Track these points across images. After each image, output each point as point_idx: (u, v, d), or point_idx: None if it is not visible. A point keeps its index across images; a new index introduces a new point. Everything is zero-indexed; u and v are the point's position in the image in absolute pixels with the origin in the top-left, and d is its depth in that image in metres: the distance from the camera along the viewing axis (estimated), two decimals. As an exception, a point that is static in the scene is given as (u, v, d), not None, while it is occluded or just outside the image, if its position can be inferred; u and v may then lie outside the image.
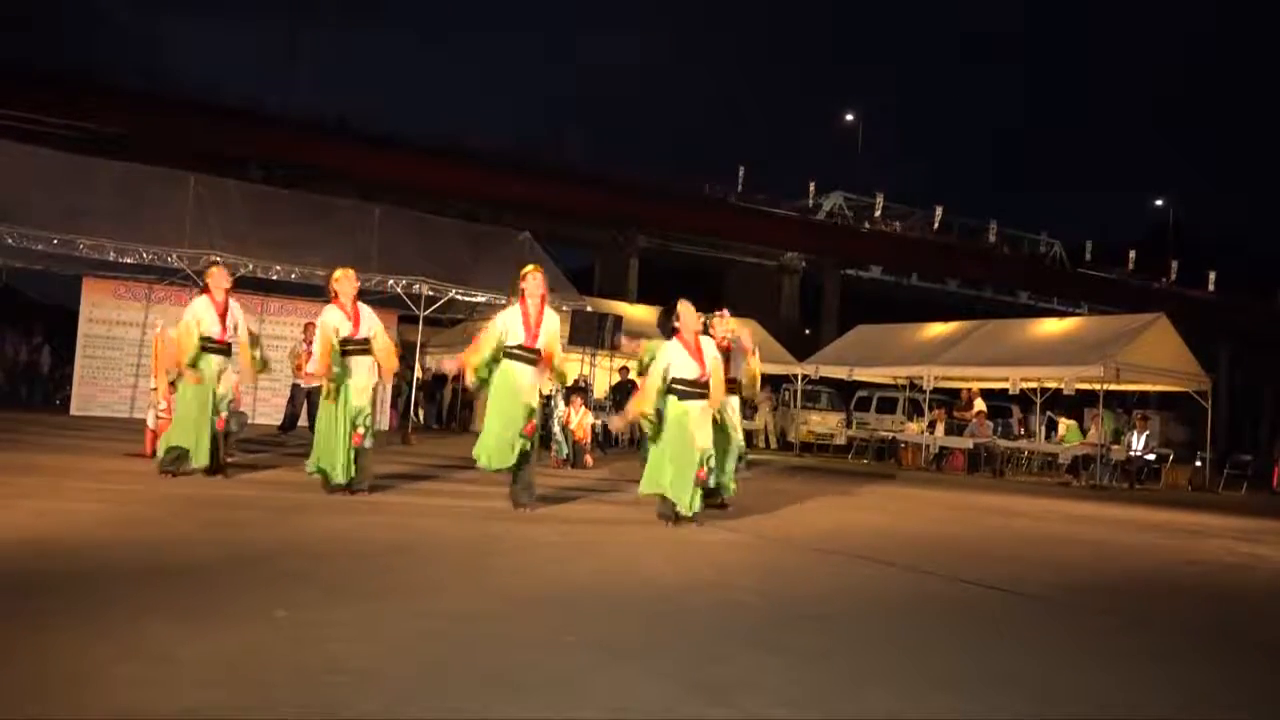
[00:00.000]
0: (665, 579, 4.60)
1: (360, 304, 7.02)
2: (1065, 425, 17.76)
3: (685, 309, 6.53)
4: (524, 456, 6.44)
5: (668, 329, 6.60)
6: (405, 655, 2.98)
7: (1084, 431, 17.88)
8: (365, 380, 6.85)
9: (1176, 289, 44.92)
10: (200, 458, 7.10)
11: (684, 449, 6.28)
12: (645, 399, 6.42)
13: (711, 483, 6.45)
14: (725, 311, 7.83)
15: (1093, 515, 10.01)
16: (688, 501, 6.27)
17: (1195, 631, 4.40)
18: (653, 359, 6.65)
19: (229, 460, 7.66)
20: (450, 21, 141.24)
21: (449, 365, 8.24)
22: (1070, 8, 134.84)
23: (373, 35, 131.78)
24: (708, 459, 6.33)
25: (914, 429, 18.84)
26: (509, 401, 6.41)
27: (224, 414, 7.20)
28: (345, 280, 6.97)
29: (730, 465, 7.25)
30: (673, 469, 6.31)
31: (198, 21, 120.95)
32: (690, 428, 6.31)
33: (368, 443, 6.79)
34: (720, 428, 6.87)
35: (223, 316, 7.33)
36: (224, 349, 7.36)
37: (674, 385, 6.42)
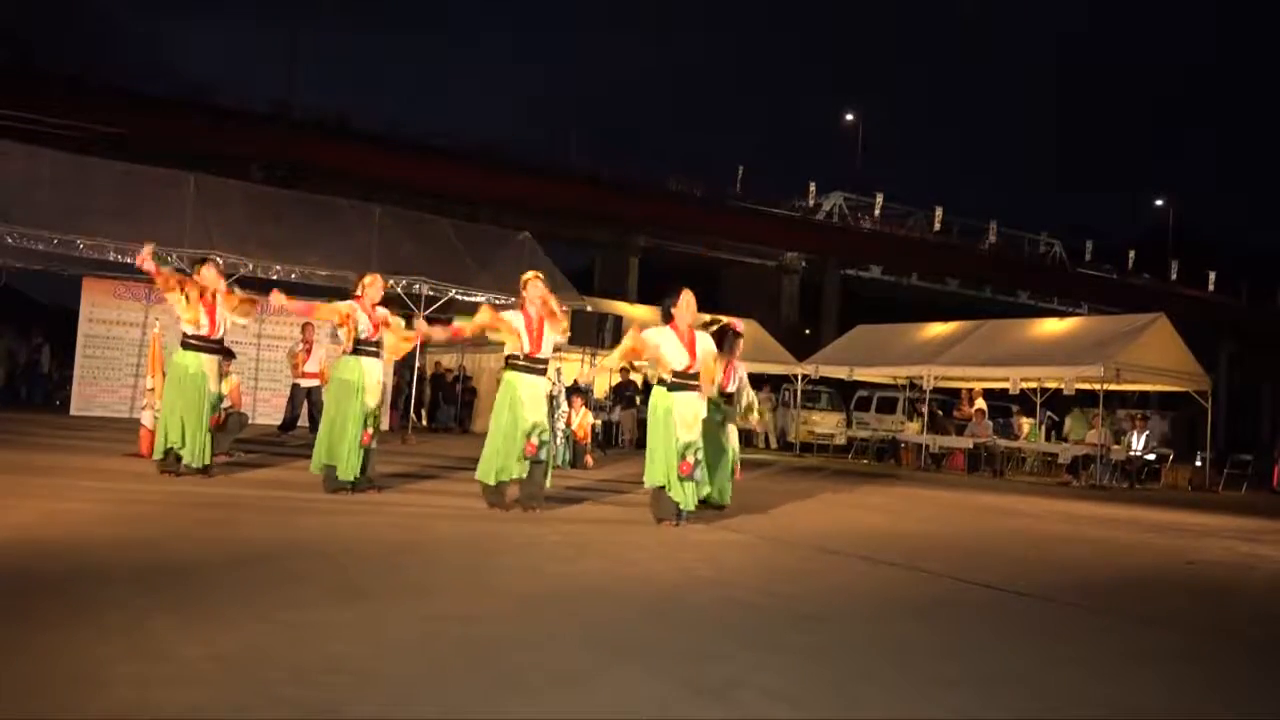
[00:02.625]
0: (665, 578, 4.60)
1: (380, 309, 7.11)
2: (1026, 424, 17.80)
3: (685, 298, 6.49)
4: (536, 464, 6.46)
5: (666, 314, 6.59)
6: (406, 655, 2.99)
7: (1060, 429, 17.97)
8: (377, 379, 6.95)
9: (1176, 288, 44.93)
10: (189, 456, 7.01)
11: (668, 441, 6.26)
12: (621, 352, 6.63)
13: (698, 476, 6.30)
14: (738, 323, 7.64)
15: (1092, 515, 10.01)
16: (680, 494, 6.24)
17: (1195, 631, 4.39)
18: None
19: (227, 458, 7.67)
20: (450, 21, 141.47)
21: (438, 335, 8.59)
22: (1070, 8, 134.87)
23: (373, 35, 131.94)
24: (694, 451, 6.24)
25: (914, 429, 18.85)
26: (509, 417, 6.44)
27: (216, 413, 7.14)
28: (373, 286, 7.07)
29: (721, 476, 7.12)
30: (662, 461, 6.29)
31: (198, 21, 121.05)
32: (674, 419, 6.26)
33: (374, 444, 6.88)
34: (713, 438, 6.74)
35: (211, 313, 7.24)
36: (214, 347, 7.27)
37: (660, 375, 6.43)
